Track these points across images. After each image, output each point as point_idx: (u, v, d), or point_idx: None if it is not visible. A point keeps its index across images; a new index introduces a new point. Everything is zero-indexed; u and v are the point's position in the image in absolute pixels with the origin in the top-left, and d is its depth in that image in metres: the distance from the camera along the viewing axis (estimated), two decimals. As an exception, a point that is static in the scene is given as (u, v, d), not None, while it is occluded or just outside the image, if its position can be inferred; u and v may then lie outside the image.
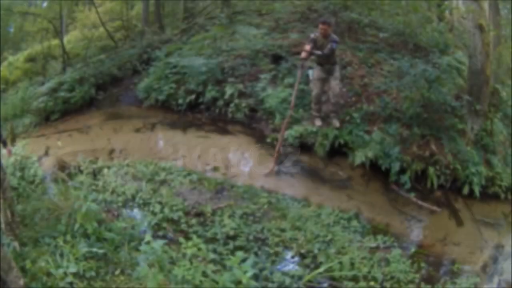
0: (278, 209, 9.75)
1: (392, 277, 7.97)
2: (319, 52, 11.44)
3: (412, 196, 10.95)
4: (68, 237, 6.83)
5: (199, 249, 6.91)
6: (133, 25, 25.85)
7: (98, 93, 17.55)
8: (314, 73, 12.12)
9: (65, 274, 6.07)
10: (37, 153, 12.36)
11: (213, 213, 9.29)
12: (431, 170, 11.36)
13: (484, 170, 11.77)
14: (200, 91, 14.55)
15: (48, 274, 6.07)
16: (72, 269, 6.14)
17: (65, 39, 25.58)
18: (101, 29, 24.30)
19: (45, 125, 15.94)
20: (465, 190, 11.46)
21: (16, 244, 6.88)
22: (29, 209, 7.97)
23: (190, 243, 6.88)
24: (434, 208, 10.83)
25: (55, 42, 24.47)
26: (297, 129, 12.00)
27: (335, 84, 11.85)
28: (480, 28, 12.18)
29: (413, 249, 9.19)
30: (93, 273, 6.32)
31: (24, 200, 8.71)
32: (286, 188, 10.87)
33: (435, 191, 11.45)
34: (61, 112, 16.42)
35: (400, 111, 12.27)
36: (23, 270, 6.04)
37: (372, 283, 7.74)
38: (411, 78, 11.99)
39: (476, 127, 12.45)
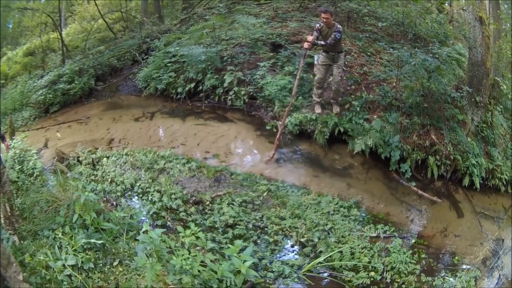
0: (277, 197, 9.70)
1: (392, 268, 7.94)
2: (322, 42, 11.41)
3: (412, 185, 10.80)
4: (67, 229, 6.83)
5: (197, 238, 6.83)
6: (132, 16, 25.94)
7: (97, 84, 17.70)
8: (319, 58, 12.05)
9: (64, 266, 6.08)
10: (37, 146, 12.40)
11: (212, 201, 9.23)
12: (431, 159, 11.27)
13: (484, 162, 11.72)
14: (199, 79, 14.49)
15: (47, 267, 6.05)
16: (71, 261, 6.13)
17: (64, 32, 25.90)
18: (100, 21, 24.67)
19: (44, 117, 15.95)
20: (466, 181, 11.37)
21: (15, 238, 6.95)
22: (28, 202, 7.95)
23: (188, 232, 6.80)
24: (435, 198, 10.69)
25: (54, 35, 24.76)
26: (296, 117, 11.91)
27: (337, 72, 11.74)
28: (480, 20, 12.11)
29: (413, 240, 9.13)
30: (91, 265, 6.31)
31: (24, 193, 8.71)
32: (285, 175, 10.80)
33: (435, 181, 11.35)
34: (60, 104, 16.44)
35: (400, 100, 12.17)
36: (22, 264, 6.07)
37: (372, 273, 7.72)
38: (410, 68, 11.89)
39: (476, 119, 12.37)
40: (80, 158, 11.04)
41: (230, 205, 9.09)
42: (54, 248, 6.34)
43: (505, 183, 12.12)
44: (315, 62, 12.20)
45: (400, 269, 7.90)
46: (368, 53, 14.56)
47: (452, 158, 11.33)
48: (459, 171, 11.51)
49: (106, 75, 18.40)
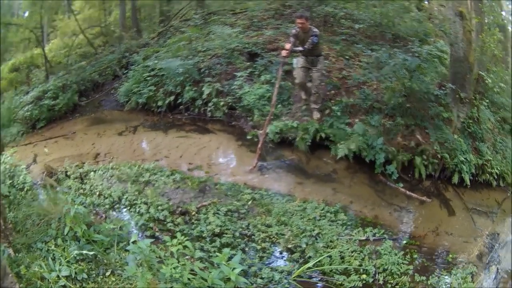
0: (262, 205, 9.64)
1: (384, 270, 7.87)
2: (300, 48, 11.36)
3: (400, 187, 10.73)
4: (59, 241, 6.83)
5: (185, 247, 6.80)
6: (112, 31, 25.96)
7: (81, 99, 17.58)
8: (298, 62, 11.99)
9: (58, 277, 6.07)
10: (26, 161, 12.37)
11: (198, 211, 9.19)
12: (418, 160, 11.17)
13: (473, 158, 11.68)
14: (178, 92, 14.46)
15: (42, 279, 6.06)
16: (65, 272, 6.12)
17: (47, 47, 25.81)
18: (81, 36, 24.42)
19: (32, 133, 15.87)
20: (455, 179, 11.32)
21: (10, 250, 6.83)
22: (21, 216, 7.88)
23: (175, 241, 6.75)
24: (424, 198, 10.61)
25: (38, 51, 24.61)
26: (277, 125, 11.83)
27: (317, 76, 11.75)
28: (461, 15, 12.10)
29: (404, 241, 9.04)
30: (84, 275, 6.28)
31: (16, 207, 8.56)
32: (269, 183, 10.72)
33: (423, 181, 11.27)
34: (46, 120, 16.36)
35: (381, 102, 12.12)
36: (18, 275, 6.04)
37: (364, 276, 7.64)
38: (390, 68, 11.81)
39: (462, 115, 12.32)
40: (68, 173, 11.01)
41: (216, 214, 9.03)
42: (48, 260, 6.35)
43: (496, 177, 12.06)
44: (294, 66, 12.15)
45: (392, 271, 7.81)
46: (347, 57, 14.46)
47: (439, 156, 11.25)
48: (447, 169, 11.43)
49: (89, 91, 18.27)
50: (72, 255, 6.39)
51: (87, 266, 6.44)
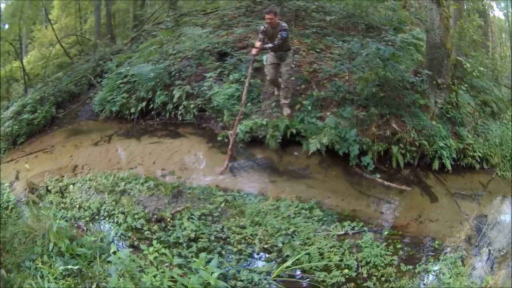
0: (235, 207, 9.54)
1: (367, 263, 7.76)
2: (270, 45, 11.34)
3: (377, 177, 10.60)
4: (45, 258, 6.73)
5: (162, 254, 6.76)
6: (87, 39, 25.93)
7: (58, 111, 17.52)
8: (267, 58, 12.02)
9: None
10: (9, 178, 12.28)
11: (173, 217, 9.06)
12: (394, 149, 11.09)
13: (453, 143, 11.61)
14: (150, 97, 14.40)
15: None
16: None
17: (25, 60, 26.07)
18: (58, 46, 24.61)
19: (13, 149, 15.76)
20: (436, 165, 11.26)
21: (2, 271, 6.82)
22: (8, 235, 7.81)
23: (151, 249, 6.71)
24: (403, 187, 10.50)
25: (17, 64, 24.69)
26: (246, 124, 11.75)
27: (285, 70, 11.68)
28: (438, 2, 12.04)
29: (386, 232, 8.91)
30: None
31: (3, 227, 8.44)
32: (241, 184, 10.64)
33: (402, 170, 11.17)
34: (26, 135, 16.23)
35: (353, 93, 12.02)
36: None
37: (346, 271, 7.49)
38: (363, 59, 11.68)
39: (440, 101, 12.31)
40: (49, 187, 10.92)
41: (190, 219, 8.90)
42: (37, 278, 6.30)
43: (479, 160, 12.03)
44: (264, 63, 12.27)
45: (376, 263, 7.69)
46: (318, 50, 14.39)
47: (417, 144, 11.20)
48: (427, 156, 11.37)
49: (66, 102, 18.18)
50: (58, 271, 6.32)
51: (73, 281, 6.35)
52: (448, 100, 12.43)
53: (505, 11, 28.12)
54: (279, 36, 11.15)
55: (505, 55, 25.01)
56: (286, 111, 11.85)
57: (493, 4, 27.15)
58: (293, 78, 12.45)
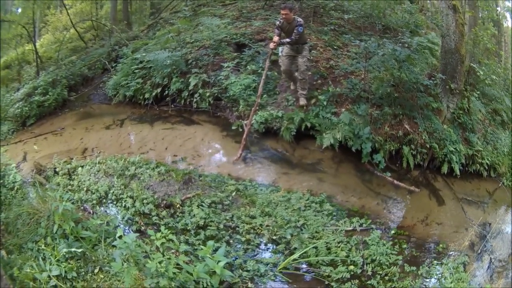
0: (246, 196, 9.52)
1: (373, 260, 7.77)
2: (287, 40, 11.41)
3: (388, 176, 10.65)
4: (49, 240, 6.73)
5: (169, 240, 6.74)
6: (102, 24, 25.68)
7: (70, 94, 17.55)
8: (283, 50, 12.08)
9: (49, 277, 5.99)
10: (16, 159, 12.27)
11: (182, 203, 9.07)
12: (406, 149, 11.10)
13: (463, 148, 11.60)
14: (165, 84, 14.41)
15: (34, 280, 5.99)
16: (55, 271, 6.03)
17: (38, 43, 25.90)
18: (72, 31, 24.50)
19: (22, 130, 15.74)
20: (444, 169, 11.27)
21: (3, 252, 6.82)
22: (12, 216, 7.80)
23: (158, 235, 6.62)
24: (412, 188, 10.52)
25: (29, 47, 24.62)
26: (261, 115, 11.81)
27: (302, 62, 11.75)
28: (454, 8, 12.01)
29: (393, 231, 8.92)
30: (74, 274, 6.20)
31: (7, 207, 8.46)
32: (253, 174, 10.66)
33: (411, 170, 11.19)
34: (36, 116, 16.25)
35: (369, 92, 12.03)
36: (11, 278, 6.03)
37: (351, 267, 7.51)
38: (379, 58, 11.74)
39: (452, 106, 12.27)
40: (57, 169, 10.89)
41: (200, 206, 8.90)
42: (39, 260, 6.28)
43: (487, 168, 12.02)
44: (280, 54, 12.27)
45: (381, 261, 7.71)
46: (335, 47, 14.43)
47: (428, 146, 11.20)
48: (436, 159, 11.39)
49: (79, 85, 18.27)
50: (61, 254, 6.32)
51: (76, 264, 6.37)
52: (460, 105, 12.40)
53: (518, 22, 28.18)
54: (295, 31, 11.26)
55: (517, 66, 24.99)
56: (303, 101, 11.91)
57: (507, 14, 27.16)
58: (309, 72, 12.46)
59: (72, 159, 11.43)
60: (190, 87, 13.73)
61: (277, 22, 11.57)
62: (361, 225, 8.85)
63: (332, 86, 12.46)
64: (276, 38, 11.36)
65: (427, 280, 7.57)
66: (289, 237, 8.16)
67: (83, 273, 6.34)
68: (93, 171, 10.59)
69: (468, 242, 8.81)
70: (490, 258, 8.42)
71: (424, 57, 14.14)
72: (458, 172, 11.22)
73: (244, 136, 11.10)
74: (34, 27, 25.49)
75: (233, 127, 12.20)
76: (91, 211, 8.94)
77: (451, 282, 7.09)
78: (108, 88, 16.29)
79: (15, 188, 10.02)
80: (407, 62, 11.89)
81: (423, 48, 14.09)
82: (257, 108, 11.56)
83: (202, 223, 8.38)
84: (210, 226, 8.35)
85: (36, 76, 19.44)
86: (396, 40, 12.85)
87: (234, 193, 9.55)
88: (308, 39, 12.95)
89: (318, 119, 11.44)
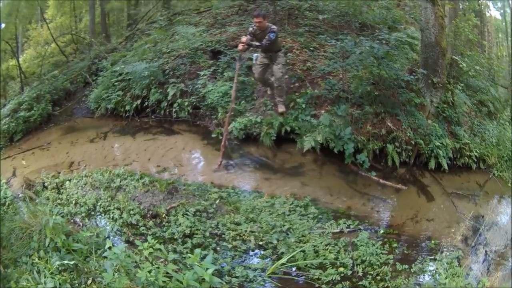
0: (230, 203, 9.48)
1: (363, 261, 7.69)
2: (257, 43, 11.24)
3: (373, 175, 10.49)
4: (42, 253, 6.69)
5: (156, 249, 6.74)
6: (82, 38, 25.89)
7: (54, 109, 17.52)
8: (257, 57, 11.90)
9: None
10: (6, 175, 12.21)
11: (168, 213, 9.03)
12: (390, 147, 11.03)
13: (450, 142, 11.54)
14: (144, 95, 14.46)
15: None
16: (50, 284, 6.01)
17: (21, 58, 26.02)
18: (53, 45, 24.67)
19: (10, 146, 15.75)
20: (432, 164, 11.20)
21: (0, 267, 6.77)
22: (5, 231, 7.73)
23: (145, 245, 6.57)
24: (399, 186, 10.41)
25: (13, 62, 24.68)
26: (240, 121, 11.76)
27: (277, 69, 11.62)
28: (432, 1, 12.04)
29: (382, 230, 8.84)
30: (68, 286, 6.15)
31: (2, 223, 8.30)
32: (236, 181, 10.62)
33: (397, 168, 11.10)
34: (23, 132, 16.23)
35: (348, 92, 12.01)
36: None
37: (341, 269, 7.43)
38: (357, 57, 11.71)
39: (435, 100, 12.25)
40: (46, 184, 10.86)
41: (185, 215, 8.87)
42: (34, 273, 6.27)
43: (476, 160, 11.93)
44: (254, 62, 12.08)
45: (371, 261, 7.63)
46: (311, 48, 14.37)
47: (413, 143, 11.14)
48: (423, 155, 11.31)
49: (62, 100, 18.24)
50: (54, 266, 6.30)
51: (69, 276, 6.33)
52: (444, 99, 12.33)
53: (501, 11, 28.24)
54: (266, 37, 11.10)
55: (502, 55, 24.98)
56: (282, 108, 11.74)
57: (490, 3, 27.23)
58: (286, 77, 12.39)
59: (59, 173, 11.40)
60: (169, 97, 13.69)
61: (250, 28, 11.48)
62: (348, 226, 8.76)
63: (310, 88, 12.38)
64: (244, 38, 11.26)
65: (421, 277, 7.46)
66: (275, 242, 8.09)
67: (77, 284, 6.30)
68: (80, 184, 10.57)
69: (461, 236, 8.73)
70: (486, 251, 8.34)
71: (404, 53, 14.15)
72: (446, 167, 11.14)
73: (222, 143, 11.03)
74: (17, 42, 25.61)
75: (213, 135, 12.14)
76: (80, 223, 8.93)
77: (446, 278, 6.95)
78: (90, 101, 16.29)
79: (7, 204, 10.03)
80: (386, 58, 11.87)
81: (402, 44, 14.12)
82: (232, 113, 11.55)
83: (188, 232, 8.33)
84: (196, 234, 8.30)
85: (21, 92, 19.55)
86: (374, 37, 12.80)
87: (217, 201, 9.49)
88: (283, 45, 13.03)
89: (298, 122, 11.35)
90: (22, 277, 6.20)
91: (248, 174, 10.90)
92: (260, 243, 8.13)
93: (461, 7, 17.56)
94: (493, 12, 29.67)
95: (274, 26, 11.36)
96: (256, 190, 10.19)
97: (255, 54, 12.03)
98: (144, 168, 11.49)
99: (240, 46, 11.24)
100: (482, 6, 23.99)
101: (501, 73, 18.64)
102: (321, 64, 13.32)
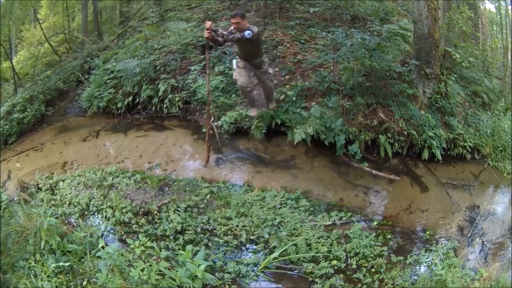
0: (221, 198, 9.47)
1: (356, 253, 7.69)
2: (224, 32, 10.29)
3: (365, 166, 10.48)
4: (38, 256, 6.73)
5: (148, 247, 6.68)
6: (75, 37, 25.87)
7: (47, 109, 17.46)
8: (238, 62, 10.93)
9: None
10: (1, 179, 12.26)
11: (159, 210, 9.00)
12: (382, 138, 10.98)
13: (443, 132, 11.51)
14: (136, 92, 14.41)
15: None
16: (47, 287, 6.05)
17: (15, 60, 26.03)
18: (46, 45, 24.54)
19: (4, 149, 15.61)
20: (425, 155, 11.18)
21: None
22: (2, 236, 7.69)
23: (137, 243, 6.58)
24: (392, 176, 10.39)
25: (6, 64, 24.50)
26: (231, 115, 11.73)
27: (266, 79, 10.93)
28: None
29: (375, 222, 8.81)
30: None
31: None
32: (226, 175, 10.59)
33: (390, 159, 11.06)
34: (17, 134, 16.14)
35: (339, 83, 11.92)
36: None
37: (334, 262, 7.43)
38: (348, 49, 11.55)
39: (428, 91, 12.24)
40: (40, 185, 10.84)
41: (176, 211, 8.83)
42: (31, 277, 6.27)
43: (470, 150, 11.88)
44: (234, 67, 11.09)
45: (365, 254, 7.63)
46: (302, 41, 14.29)
47: (406, 133, 11.09)
48: (416, 146, 11.29)
49: (55, 99, 18.18)
50: (50, 269, 6.30)
51: (65, 278, 6.34)
52: (437, 90, 12.31)
53: (496, 4, 28.21)
54: (240, 34, 9.84)
55: (496, 47, 25.00)
56: (272, 105, 11.41)
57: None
58: (277, 69, 12.41)
59: (53, 174, 11.40)
60: (160, 93, 13.65)
61: (231, 28, 10.46)
62: (340, 218, 8.74)
63: (301, 81, 12.31)
64: (208, 24, 9.99)
65: (417, 268, 7.46)
66: (267, 236, 8.08)
67: (73, 286, 6.30)
68: (73, 184, 10.53)
69: (457, 226, 8.67)
70: (482, 241, 8.36)
71: (396, 44, 14.05)
72: (439, 157, 11.12)
73: (206, 139, 10.85)
74: (10, 44, 25.53)
75: (204, 130, 11.80)
76: (74, 224, 8.88)
77: (442, 269, 6.86)
78: (82, 100, 16.27)
79: (2, 208, 9.85)
80: (378, 50, 11.79)
81: (394, 35, 14.03)
82: (210, 107, 11.36)
83: (180, 228, 8.30)
84: (188, 230, 8.27)
85: (14, 93, 19.42)
86: (365, 29, 12.82)
87: (208, 196, 9.47)
88: (273, 38, 13.04)
89: (288, 115, 11.27)
90: (21, 282, 6.18)
91: (239, 168, 10.84)
92: (252, 237, 8.11)
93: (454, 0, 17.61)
94: (488, 5, 29.75)
95: (254, 28, 10.24)
96: (247, 184, 10.13)
97: (235, 60, 11.13)
98: (136, 165, 11.47)
99: (206, 34, 10.01)
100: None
101: (495, 65, 18.67)
102: (312, 57, 13.25)
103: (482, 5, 27.77)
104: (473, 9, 19.72)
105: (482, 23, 28.00)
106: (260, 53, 10.78)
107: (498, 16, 28.66)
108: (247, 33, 9.78)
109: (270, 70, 11.17)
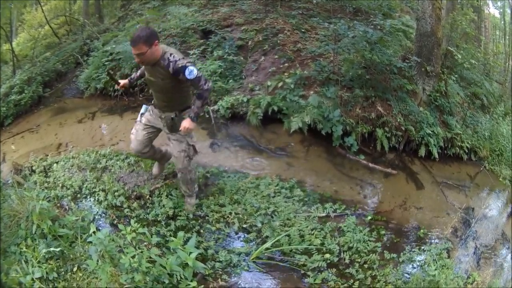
0: (214, 184, 9.28)
1: (349, 248, 7.57)
2: (137, 73, 8.42)
3: (361, 158, 10.36)
4: (29, 241, 6.56)
5: (140, 233, 6.43)
6: (75, 19, 25.83)
7: (45, 91, 17.22)
8: (145, 114, 8.39)
9: (33, 280, 5.87)
10: None
11: (151, 194, 8.81)
12: (379, 132, 10.84)
13: (441, 131, 11.43)
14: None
15: (20, 284, 5.87)
16: (37, 273, 5.92)
17: (15, 42, 25.95)
18: (47, 27, 24.41)
19: (1, 131, 15.34)
20: (422, 152, 11.06)
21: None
22: None
23: (128, 229, 6.32)
24: (389, 170, 10.31)
25: (6, 46, 24.51)
26: (227, 100, 11.57)
27: (178, 150, 7.85)
28: None
29: (369, 217, 8.66)
30: (55, 274, 6.07)
31: None
32: (221, 161, 10.37)
33: (386, 153, 10.94)
34: (13, 116, 15.93)
35: (338, 74, 11.78)
36: (0, 285, 5.89)
37: (327, 255, 7.29)
38: (349, 40, 11.45)
39: (428, 88, 12.20)
40: (33, 167, 10.58)
41: (169, 196, 8.65)
42: (22, 263, 6.14)
43: (467, 151, 11.83)
44: (138, 119, 8.43)
45: (359, 249, 7.50)
46: (303, 30, 14.19)
47: (403, 129, 10.96)
48: (413, 142, 11.16)
49: (53, 81, 17.90)
50: (41, 255, 6.17)
51: (55, 264, 6.24)
52: (437, 88, 12.28)
53: (501, 10, 28.33)
54: (180, 76, 6.67)
55: (499, 51, 25.06)
56: (191, 201, 8.31)
57: (489, 2, 27.34)
58: (276, 56, 12.33)
59: (47, 155, 11.18)
60: (157, 76, 13.32)
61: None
62: (334, 211, 8.61)
63: (300, 69, 12.15)
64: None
65: (409, 267, 7.37)
66: (259, 225, 7.94)
67: (63, 272, 6.20)
68: (67, 166, 10.31)
69: (451, 227, 8.63)
70: (476, 244, 8.29)
71: (398, 40, 14.01)
72: (436, 155, 11.05)
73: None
74: (11, 27, 25.61)
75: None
76: (67, 207, 8.68)
77: (435, 269, 6.76)
78: (80, 82, 16.14)
79: None
80: (379, 44, 11.70)
81: (396, 31, 13.95)
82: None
83: (172, 213, 8.14)
84: (180, 216, 8.09)
85: (13, 75, 19.35)
86: (368, 22, 12.65)
87: (201, 180, 9.26)
88: (274, 26, 12.91)
89: (286, 102, 11.15)
90: (12, 268, 6.06)
91: (234, 154, 10.66)
92: (244, 226, 7.97)
93: (459, 1, 17.67)
94: (492, 10, 29.85)
95: (182, 61, 6.62)
96: (241, 170, 9.98)
97: (145, 106, 8.42)
98: (130, 147, 11.19)
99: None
100: (481, 3, 24.05)
101: (496, 69, 18.70)
102: (312, 46, 13.14)
103: (487, 9, 27.89)
104: (477, 12, 19.69)
105: (485, 27, 28.11)
106: (184, 101, 7.51)
107: (502, 22, 28.70)
108: (189, 73, 6.59)
109: (192, 142, 7.82)
